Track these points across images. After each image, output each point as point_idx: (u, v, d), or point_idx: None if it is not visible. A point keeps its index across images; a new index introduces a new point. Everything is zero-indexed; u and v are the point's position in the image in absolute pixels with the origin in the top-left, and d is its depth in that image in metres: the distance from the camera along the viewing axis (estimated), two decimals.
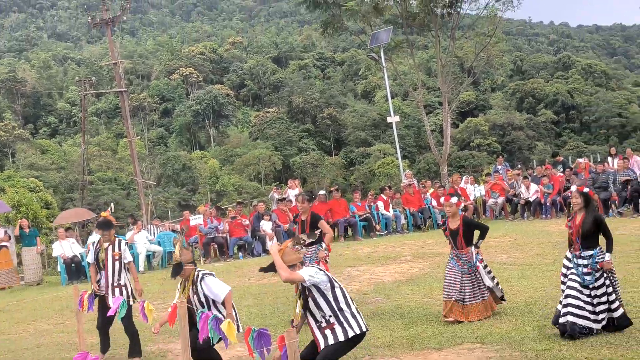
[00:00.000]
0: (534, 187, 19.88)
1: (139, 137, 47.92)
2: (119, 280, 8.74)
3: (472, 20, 31.19)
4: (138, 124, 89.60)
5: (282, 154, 79.70)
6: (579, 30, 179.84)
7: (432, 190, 21.77)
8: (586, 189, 7.66)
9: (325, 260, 9.41)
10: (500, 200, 20.83)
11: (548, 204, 19.38)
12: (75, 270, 17.42)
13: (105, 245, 8.78)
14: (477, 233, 8.90)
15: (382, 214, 20.29)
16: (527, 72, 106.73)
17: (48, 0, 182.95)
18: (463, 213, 9.15)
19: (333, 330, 5.97)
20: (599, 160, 27.08)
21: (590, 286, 7.40)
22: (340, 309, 6.00)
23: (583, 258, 7.48)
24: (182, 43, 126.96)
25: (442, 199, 8.50)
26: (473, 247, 8.83)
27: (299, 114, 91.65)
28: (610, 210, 18.44)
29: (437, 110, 69.13)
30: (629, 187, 17.95)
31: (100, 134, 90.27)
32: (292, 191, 20.81)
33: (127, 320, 8.49)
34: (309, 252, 9.35)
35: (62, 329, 11.21)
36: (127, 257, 8.96)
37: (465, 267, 8.78)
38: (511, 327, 8.14)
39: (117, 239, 8.85)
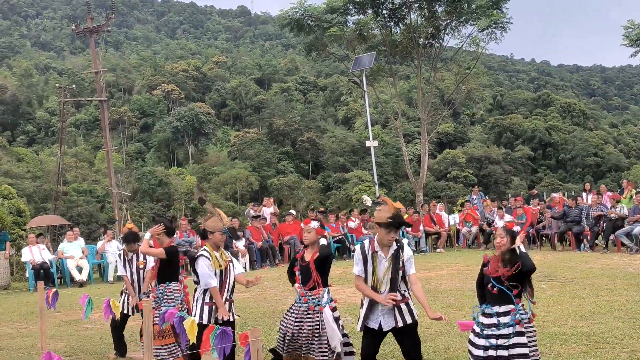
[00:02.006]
0: (508, 217, 20.05)
1: (115, 148, 47.60)
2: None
3: (454, 52, 31.55)
4: (117, 137, 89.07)
5: (260, 175, 79.54)
6: (560, 69, 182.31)
7: (406, 216, 21.85)
8: (516, 227, 6.73)
9: None
10: (474, 229, 20.97)
11: None
12: (44, 276, 17.19)
13: (130, 255, 9.13)
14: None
15: (355, 236, 20.35)
16: (506, 107, 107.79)
17: (33, 9, 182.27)
18: (324, 244, 7.11)
19: (408, 304, 6.28)
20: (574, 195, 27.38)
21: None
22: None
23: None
24: (166, 59, 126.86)
25: (301, 224, 7.68)
26: (326, 290, 7.00)
27: (279, 136, 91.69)
28: (582, 245, 18.62)
29: (416, 140, 69.60)
30: (602, 222, 18.17)
31: (78, 145, 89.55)
32: (267, 209, 20.80)
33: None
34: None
35: (25, 333, 11.08)
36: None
37: (309, 311, 6.95)
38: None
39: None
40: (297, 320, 6.90)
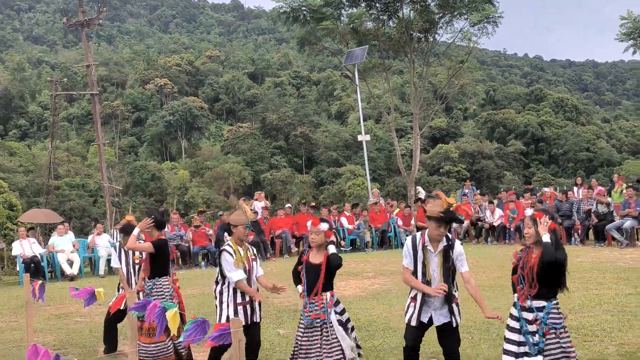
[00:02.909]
0: (498, 212, 20.08)
1: (107, 142, 47.41)
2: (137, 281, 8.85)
3: (446, 47, 31.56)
4: (110, 131, 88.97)
5: (252, 170, 79.57)
6: (552, 64, 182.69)
7: (397, 210, 21.89)
8: (545, 217, 5.76)
9: None
10: (465, 223, 20.99)
11: (512, 229, 19.57)
12: (34, 270, 17.13)
13: (127, 248, 8.80)
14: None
15: (346, 229, 20.37)
16: (499, 102, 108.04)
17: (26, 3, 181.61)
18: (334, 252, 6.56)
19: (458, 305, 6.24)
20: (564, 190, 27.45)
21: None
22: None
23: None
24: (159, 53, 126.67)
25: (308, 223, 6.86)
26: (329, 295, 6.49)
27: (272, 131, 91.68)
28: (573, 239, 18.66)
29: (409, 134, 69.57)
30: (592, 216, 18.22)
31: (71, 139, 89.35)
32: (259, 203, 20.77)
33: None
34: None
35: (14, 326, 11.02)
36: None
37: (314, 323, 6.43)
38: (467, 344, 8.17)
39: None
40: (305, 334, 6.48)
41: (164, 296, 7.78)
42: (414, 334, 6.34)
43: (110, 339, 8.90)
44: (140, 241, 8.03)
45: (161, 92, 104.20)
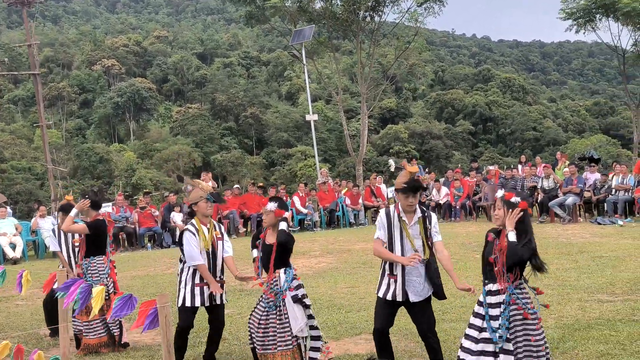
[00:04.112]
0: (444, 190, 20.29)
1: (51, 123, 46.44)
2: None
3: (393, 27, 31.63)
4: (56, 113, 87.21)
5: (202, 151, 78.94)
6: (500, 45, 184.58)
7: (345, 189, 21.97)
8: (517, 198, 5.38)
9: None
10: None
11: (458, 207, 19.80)
12: None
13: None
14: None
15: (295, 210, 20.35)
16: (448, 82, 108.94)
17: None
18: (288, 229, 6.48)
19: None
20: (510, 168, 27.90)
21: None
22: None
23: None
24: (105, 34, 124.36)
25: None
26: (284, 271, 6.37)
27: (222, 112, 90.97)
28: None
29: (359, 115, 69.80)
30: (536, 193, 18.52)
31: (17, 121, 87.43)
32: (205, 184, 20.61)
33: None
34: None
35: None
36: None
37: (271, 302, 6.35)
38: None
39: None
40: (263, 316, 6.33)
41: (99, 275, 7.72)
42: (387, 310, 6.13)
43: (52, 321, 8.78)
44: (78, 221, 7.91)
45: (108, 74, 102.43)
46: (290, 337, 6.22)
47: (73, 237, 8.67)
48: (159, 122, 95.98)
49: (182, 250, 6.76)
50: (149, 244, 18.65)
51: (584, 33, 34.04)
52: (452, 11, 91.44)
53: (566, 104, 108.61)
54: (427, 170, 26.09)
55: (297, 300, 6.26)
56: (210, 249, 6.74)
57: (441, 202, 20.31)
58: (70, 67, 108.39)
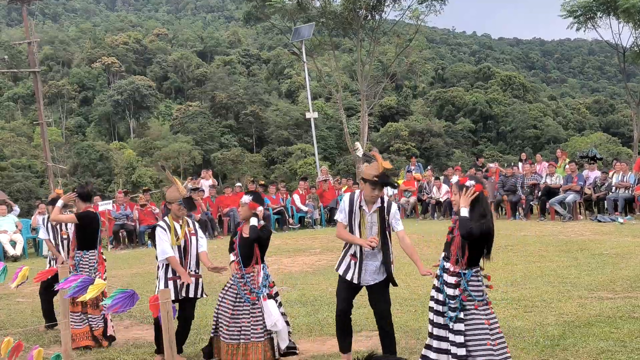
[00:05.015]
0: (445, 187, 20.28)
1: (50, 121, 46.39)
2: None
3: (394, 24, 31.59)
4: (56, 111, 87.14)
5: (202, 149, 78.93)
6: (500, 43, 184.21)
7: (345, 187, 21.97)
8: (471, 181, 5.49)
9: None
10: (412, 199, 21.17)
11: None
12: None
13: (54, 222, 8.73)
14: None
15: (295, 208, 20.38)
16: (448, 80, 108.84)
17: None
18: (261, 223, 6.85)
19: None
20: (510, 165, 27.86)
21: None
22: None
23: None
24: (105, 32, 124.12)
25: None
26: (261, 267, 6.74)
27: (222, 110, 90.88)
28: (517, 213, 18.97)
29: (359, 113, 69.76)
30: (536, 191, 18.53)
31: (17, 119, 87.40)
32: (206, 182, 20.69)
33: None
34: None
35: None
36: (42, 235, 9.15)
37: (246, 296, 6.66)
38: (410, 317, 8.25)
39: None
40: (236, 306, 6.63)
41: (89, 270, 7.79)
42: (348, 292, 6.43)
43: (47, 313, 8.82)
44: (66, 212, 8.00)
45: (108, 71, 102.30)
46: (262, 330, 6.55)
47: (61, 229, 8.71)
48: (159, 120, 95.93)
49: (154, 246, 7.08)
50: (149, 242, 18.67)
51: (584, 31, 33.99)
52: (452, 9, 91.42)
53: (566, 102, 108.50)
54: (429, 168, 26.13)
55: (271, 297, 6.65)
56: (182, 244, 7.00)
57: (441, 199, 20.31)
58: (70, 64, 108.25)
